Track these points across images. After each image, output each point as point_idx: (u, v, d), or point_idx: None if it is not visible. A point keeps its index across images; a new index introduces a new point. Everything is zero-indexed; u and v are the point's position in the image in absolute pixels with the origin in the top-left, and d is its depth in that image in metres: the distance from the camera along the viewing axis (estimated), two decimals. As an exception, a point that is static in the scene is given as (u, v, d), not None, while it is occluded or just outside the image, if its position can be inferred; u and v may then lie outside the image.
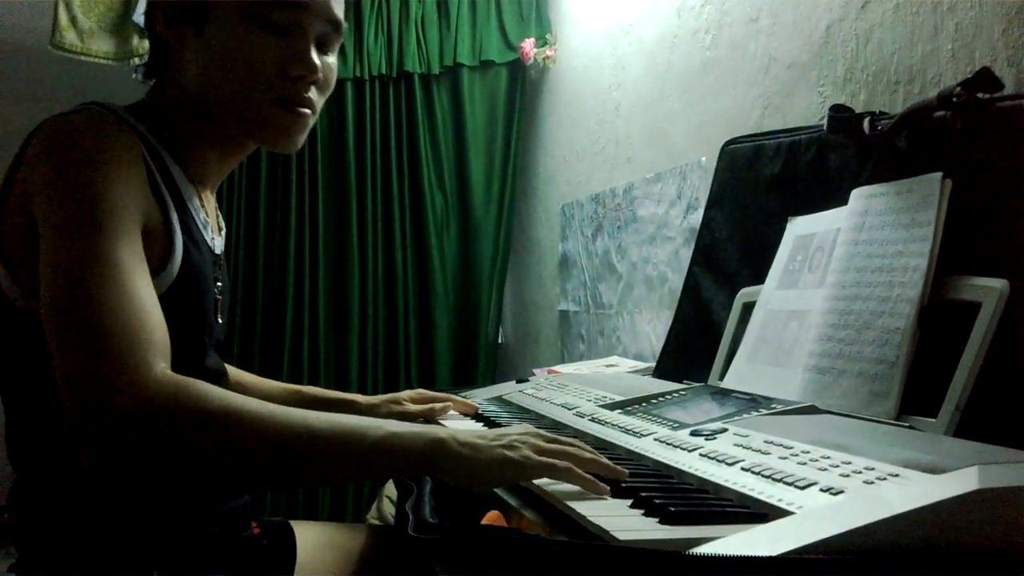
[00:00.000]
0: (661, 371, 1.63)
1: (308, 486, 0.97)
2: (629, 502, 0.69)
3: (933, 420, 0.91)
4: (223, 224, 1.01)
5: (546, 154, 2.72)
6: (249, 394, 1.14)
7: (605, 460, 0.76)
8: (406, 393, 1.23)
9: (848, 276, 1.09)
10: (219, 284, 0.94)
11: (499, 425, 1.11)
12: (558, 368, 1.92)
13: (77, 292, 0.69)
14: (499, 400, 1.37)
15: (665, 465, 0.82)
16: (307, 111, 0.91)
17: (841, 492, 0.64)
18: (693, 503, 0.67)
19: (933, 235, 1.00)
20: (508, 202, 2.87)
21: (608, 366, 1.90)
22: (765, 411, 0.99)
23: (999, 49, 1.03)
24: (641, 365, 1.83)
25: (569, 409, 1.17)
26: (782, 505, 0.65)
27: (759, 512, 0.66)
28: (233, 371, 1.17)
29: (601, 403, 1.18)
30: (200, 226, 0.89)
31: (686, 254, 1.81)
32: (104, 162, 0.75)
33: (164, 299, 0.78)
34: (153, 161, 0.83)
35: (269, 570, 0.97)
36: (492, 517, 0.77)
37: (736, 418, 0.98)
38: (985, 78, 0.99)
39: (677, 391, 1.20)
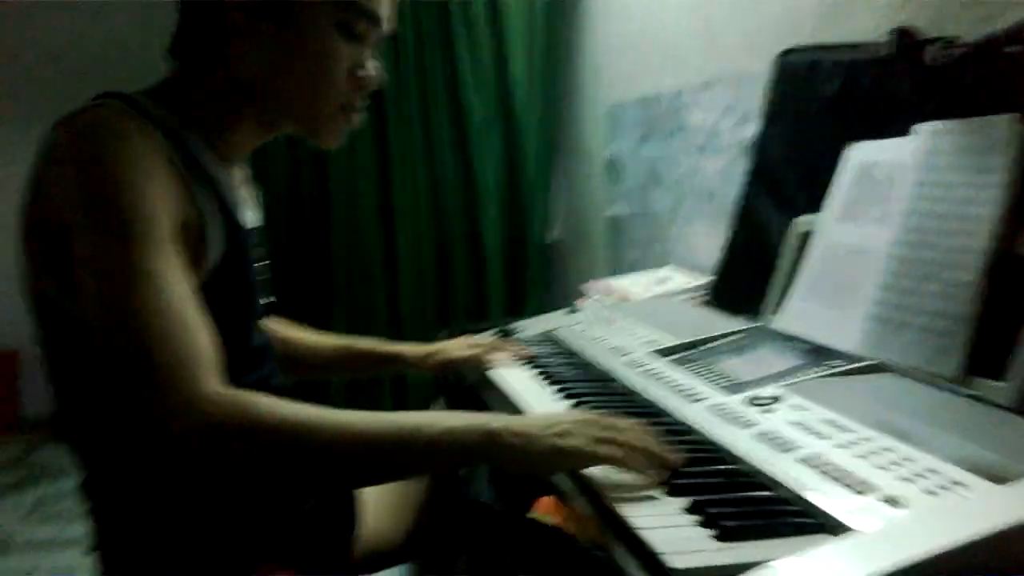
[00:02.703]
0: (716, 296, 1.61)
1: (372, 486, 0.99)
2: (684, 503, 0.69)
3: (1000, 384, 0.88)
4: (255, 192, 1.00)
5: (591, 51, 2.61)
6: (300, 350, 1.18)
7: (658, 449, 0.75)
8: (455, 342, 1.23)
9: (912, 220, 1.04)
10: (256, 264, 0.94)
11: (551, 375, 1.11)
12: (612, 282, 1.91)
13: (120, 316, 0.70)
14: (549, 339, 1.36)
15: (720, 446, 0.82)
16: (359, 116, 0.92)
17: (902, 505, 0.63)
18: (749, 514, 0.67)
19: (1004, 183, 0.94)
20: (552, 101, 2.78)
21: (662, 280, 1.88)
22: (826, 370, 0.98)
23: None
24: (695, 280, 1.80)
25: (622, 355, 1.17)
26: (839, 516, 0.64)
27: (815, 522, 0.65)
28: (283, 328, 1.18)
29: (654, 348, 1.17)
30: (232, 208, 0.88)
31: (738, 168, 1.74)
32: (132, 169, 0.73)
33: (206, 289, 0.78)
34: (180, 152, 0.81)
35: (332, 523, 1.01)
36: (546, 505, 0.79)
37: (795, 378, 0.96)
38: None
39: (733, 335, 1.18)
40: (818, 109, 1.38)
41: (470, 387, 1.18)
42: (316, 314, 2.67)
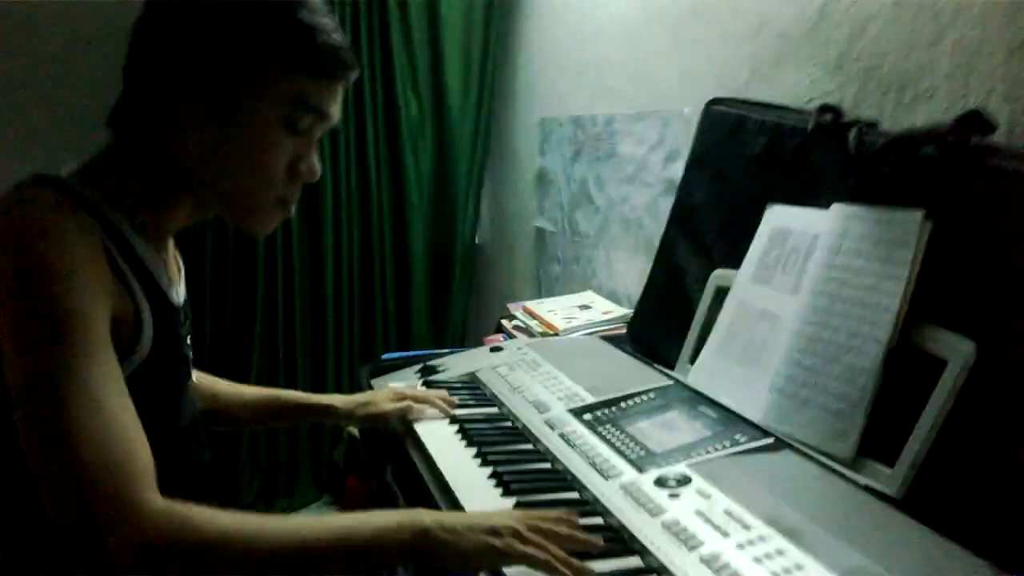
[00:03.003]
0: (634, 333, 1.65)
1: None
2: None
3: (889, 471, 0.94)
4: (182, 264, 0.98)
5: (525, 64, 2.61)
6: (228, 402, 1.17)
7: (582, 537, 0.80)
8: (383, 392, 1.24)
9: (821, 301, 1.09)
10: (188, 340, 0.92)
11: (475, 433, 1.13)
12: (533, 307, 1.93)
13: (55, 430, 0.68)
14: (471, 383, 1.38)
15: (633, 536, 0.85)
16: (293, 207, 0.90)
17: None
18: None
19: (907, 277, 0.99)
20: (486, 109, 2.78)
21: (583, 307, 1.92)
22: (730, 446, 1.02)
23: (997, 79, 0.99)
24: (615, 311, 1.84)
25: (540, 411, 1.20)
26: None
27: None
28: (208, 380, 1.17)
29: (572, 405, 1.20)
30: (165, 289, 0.86)
31: (664, 203, 1.78)
32: (67, 270, 0.72)
33: (136, 375, 0.78)
34: (113, 240, 0.79)
35: None
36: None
37: (701, 454, 1.00)
38: (978, 119, 0.95)
39: (647, 394, 1.22)
40: (741, 165, 1.43)
41: (397, 439, 1.19)
42: (235, 315, 2.63)
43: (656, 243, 1.80)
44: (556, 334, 1.75)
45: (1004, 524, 0.81)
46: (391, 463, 1.14)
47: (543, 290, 2.50)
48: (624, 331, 1.75)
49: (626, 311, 1.81)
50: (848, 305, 1.05)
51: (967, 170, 0.96)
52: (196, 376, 1.15)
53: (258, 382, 2.65)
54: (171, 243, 0.95)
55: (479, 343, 2.23)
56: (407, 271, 2.86)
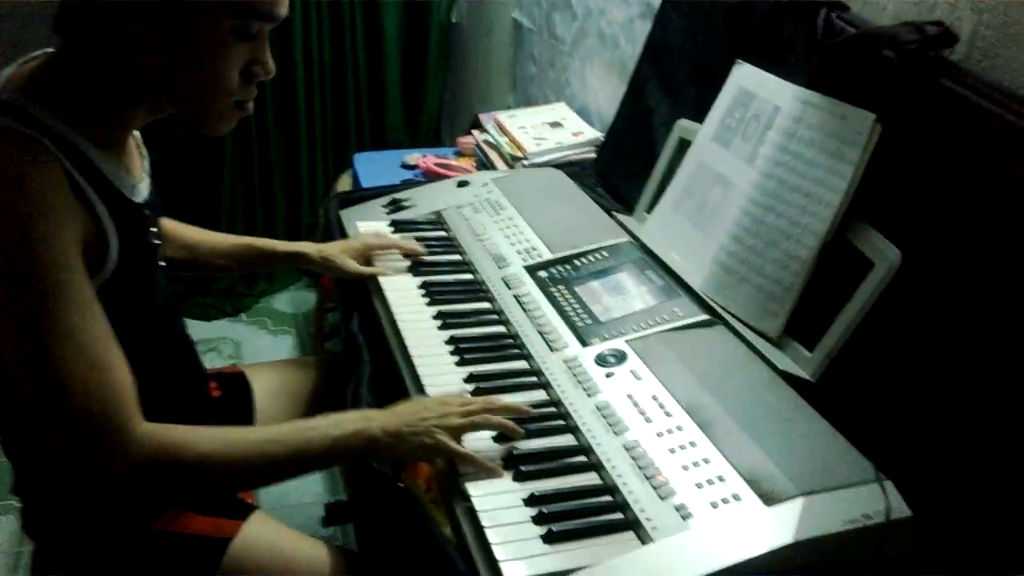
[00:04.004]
0: (600, 166, 1.69)
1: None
2: (524, 493, 0.85)
3: (808, 354, 1.04)
4: (145, 153, 0.99)
5: None
6: (203, 251, 1.23)
7: (512, 405, 0.93)
8: (354, 245, 1.28)
9: (770, 183, 1.13)
10: (156, 240, 0.96)
11: (437, 291, 1.21)
12: (505, 121, 1.93)
13: (43, 372, 0.74)
14: (438, 223, 1.44)
15: (567, 414, 0.96)
16: (252, 104, 0.90)
17: (690, 515, 0.81)
18: (574, 512, 0.83)
19: (851, 177, 1.03)
20: None
21: (555, 124, 1.92)
22: (668, 320, 1.11)
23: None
24: (585, 132, 1.86)
25: (499, 266, 1.27)
26: (643, 521, 0.81)
27: (625, 521, 0.82)
28: (181, 229, 1.21)
29: (529, 261, 1.27)
30: (129, 196, 0.89)
31: (641, 27, 1.74)
32: (35, 212, 0.74)
33: (107, 286, 0.83)
34: (71, 159, 0.80)
35: (235, 422, 1.14)
36: (418, 467, 0.93)
37: (641, 328, 1.10)
38: (941, 32, 0.95)
39: (601, 252, 1.28)
40: (718, 14, 1.39)
41: (365, 288, 1.26)
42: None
43: (630, 67, 1.78)
44: (525, 157, 1.78)
45: (895, 420, 0.92)
46: (358, 313, 1.23)
47: (518, 87, 2.47)
48: (590, 156, 1.79)
49: (596, 134, 1.83)
50: (794, 193, 1.10)
51: (920, 84, 0.96)
52: (170, 225, 1.20)
53: (234, 188, 2.68)
54: (134, 140, 0.96)
55: (453, 142, 2.26)
56: (380, 54, 2.78)
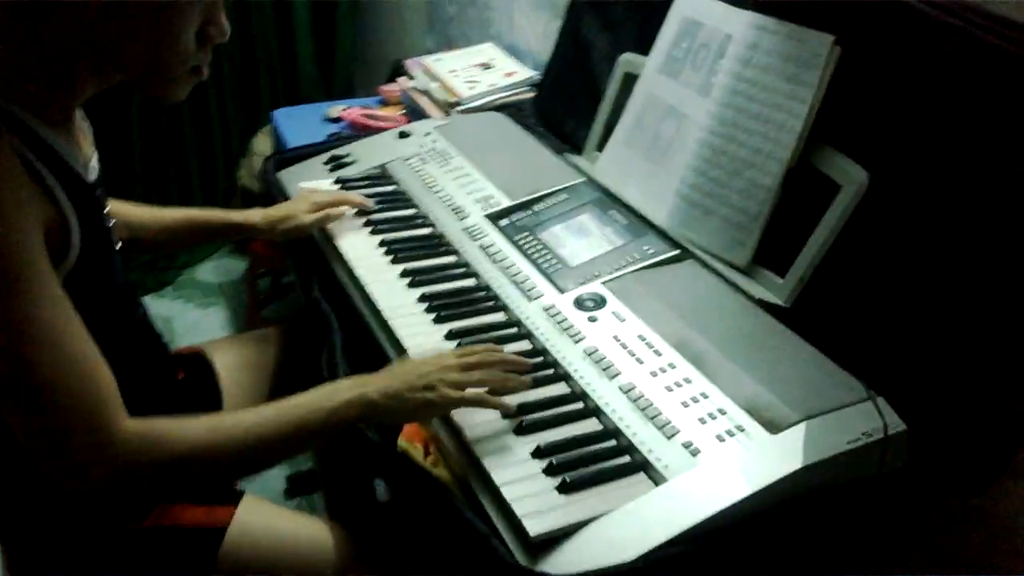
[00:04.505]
0: (540, 106, 1.65)
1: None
2: (530, 446, 0.84)
3: (780, 281, 1.05)
4: (89, 125, 0.91)
5: None
6: (145, 228, 1.15)
7: (511, 358, 0.91)
8: (300, 203, 1.23)
9: (728, 113, 1.13)
10: (111, 221, 0.89)
11: (393, 249, 1.17)
12: (432, 65, 1.87)
13: (19, 373, 0.68)
14: (384, 177, 1.39)
15: (557, 362, 0.95)
16: (207, 69, 0.83)
17: (698, 451, 0.81)
18: (584, 459, 0.82)
19: (812, 101, 1.03)
20: None
21: (484, 66, 1.87)
22: (640, 259, 1.11)
23: None
24: (518, 72, 1.81)
25: (458, 217, 1.24)
26: (653, 461, 0.81)
27: (635, 463, 0.82)
28: (123, 209, 1.13)
29: (488, 210, 1.25)
30: (83, 176, 0.81)
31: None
32: None
33: (71, 275, 0.77)
34: (24, 141, 0.72)
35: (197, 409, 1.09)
36: (412, 431, 0.91)
37: (613, 270, 1.09)
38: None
39: (559, 194, 1.26)
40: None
41: (319, 251, 1.22)
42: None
43: (561, 3, 1.74)
44: (459, 102, 1.73)
45: (873, 337, 0.95)
46: (317, 278, 1.18)
47: (436, 29, 2.40)
48: (527, 96, 1.75)
49: (530, 72, 1.79)
50: (754, 121, 1.10)
51: (882, 5, 0.97)
52: (112, 204, 1.12)
53: (145, 156, 2.53)
54: (80, 114, 0.88)
55: (371, 91, 2.18)
56: (287, 2, 2.64)
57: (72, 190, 0.77)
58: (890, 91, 0.97)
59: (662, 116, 1.27)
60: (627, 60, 1.37)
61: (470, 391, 0.85)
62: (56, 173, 0.75)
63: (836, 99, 1.02)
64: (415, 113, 1.88)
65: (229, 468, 0.80)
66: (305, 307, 1.18)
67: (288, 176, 1.43)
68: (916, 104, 0.95)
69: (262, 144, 2.55)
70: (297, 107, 2.28)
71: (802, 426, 0.83)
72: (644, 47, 1.36)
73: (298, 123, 2.10)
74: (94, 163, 0.87)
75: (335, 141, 1.56)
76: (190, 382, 1.13)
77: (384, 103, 2.12)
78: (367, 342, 1.06)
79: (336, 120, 2.10)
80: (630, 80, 1.36)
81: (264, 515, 0.95)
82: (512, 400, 0.88)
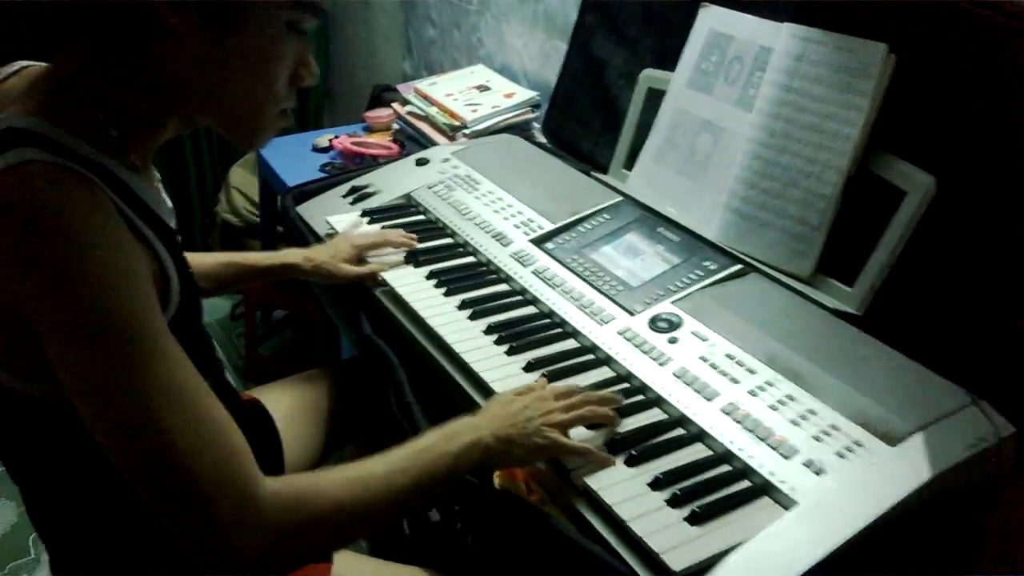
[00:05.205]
0: (552, 126, 1.63)
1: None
2: (646, 476, 0.81)
3: (848, 289, 1.05)
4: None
5: None
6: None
7: (607, 396, 0.89)
8: (341, 248, 1.17)
9: (778, 124, 1.12)
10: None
11: (446, 283, 1.13)
12: (427, 90, 1.84)
13: (157, 444, 0.62)
14: (412, 208, 1.35)
15: (649, 387, 0.92)
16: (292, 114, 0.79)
17: (823, 471, 0.79)
18: (706, 486, 0.80)
19: (869, 108, 1.04)
20: None
21: (482, 88, 1.84)
22: (704, 276, 1.09)
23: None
24: (517, 92, 1.79)
25: (502, 244, 1.20)
26: (777, 484, 0.79)
27: (758, 487, 0.80)
28: None
29: (531, 234, 1.21)
30: (170, 225, 0.76)
31: (567, -23, 1.68)
32: (107, 260, 0.61)
33: (173, 329, 0.71)
34: (118, 193, 0.67)
35: (265, 452, 1.03)
36: (508, 470, 0.87)
37: (678, 288, 1.07)
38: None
39: (602, 215, 1.24)
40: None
41: (366, 292, 1.17)
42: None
43: (559, 19, 1.74)
44: (464, 125, 1.70)
45: (957, 343, 0.95)
46: (365, 315, 1.14)
47: (414, 53, 2.36)
48: (530, 116, 1.73)
49: (531, 93, 1.76)
50: (807, 131, 1.09)
51: (935, 9, 0.98)
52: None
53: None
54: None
55: (347, 119, 2.13)
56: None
57: (165, 239, 0.72)
58: (949, 96, 0.98)
59: (696, 131, 1.26)
60: (649, 76, 1.37)
61: (574, 442, 0.83)
62: (149, 222, 0.70)
63: (895, 106, 1.03)
64: (409, 139, 1.84)
65: (371, 521, 0.75)
66: (358, 345, 1.13)
67: (309, 211, 1.38)
68: (979, 109, 0.96)
69: (238, 176, 2.48)
70: (281, 138, 2.21)
71: (919, 436, 0.82)
72: (664, 62, 1.36)
73: (285, 154, 2.04)
74: (169, 206, 0.81)
75: (349, 171, 1.51)
76: (251, 430, 1.07)
77: (370, 130, 2.08)
78: (433, 378, 1.02)
79: (325, 149, 2.04)
80: (654, 96, 1.35)
81: (361, 569, 0.90)
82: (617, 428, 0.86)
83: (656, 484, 0.80)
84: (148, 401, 0.62)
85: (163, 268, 0.70)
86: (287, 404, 1.13)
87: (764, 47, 1.17)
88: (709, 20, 1.28)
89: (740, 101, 1.20)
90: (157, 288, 0.68)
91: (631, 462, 0.83)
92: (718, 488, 0.80)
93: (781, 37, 1.14)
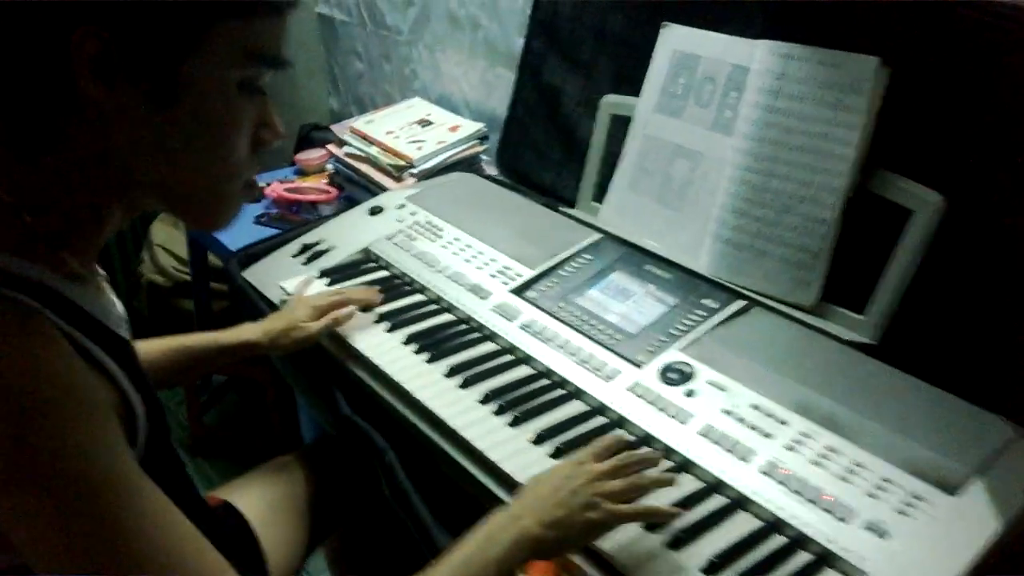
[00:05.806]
0: (506, 160, 1.54)
1: None
2: (697, 559, 0.72)
3: (860, 318, 0.99)
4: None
5: None
6: None
7: (648, 456, 0.79)
8: (299, 310, 1.06)
9: (764, 148, 1.06)
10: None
11: (418, 340, 1.03)
12: (364, 129, 1.73)
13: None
14: (371, 261, 1.24)
15: (676, 452, 0.84)
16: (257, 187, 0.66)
17: (886, 533, 0.72)
18: (765, 565, 0.71)
19: (863, 125, 0.98)
20: None
21: (423, 123, 1.74)
22: (706, 316, 1.01)
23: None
24: (462, 125, 1.69)
25: (480, 297, 1.10)
26: (837, 550, 0.71)
27: (819, 557, 0.72)
28: None
29: (510, 284, 1.12)
30: (121, 334, 0.64)
31: (506, 3, 1.60)
32: (55, 398, 0.51)
33: (144, 462, 0.59)
34: (61, 315, 0.55)
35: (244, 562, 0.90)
36: (540, 568, 0.77)
37: (680, 332, 0.99)
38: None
39: (582, 256, 1.16)
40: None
41: (332, 361, 1.05)
42: None
43: (500, 46, 1.66)
44: (410, 164, 1.60)
45: (989, 368, 0.89)
46: (340, 391, 1.02)
47: (341, 89, 2.25)
48: (478, 149, 1.64)
49: (477, 125, 1.67)
50: (797, 153, 1.03)
51: (931, 17, 0.93)
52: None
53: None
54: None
55: (279, 161, 1.99)
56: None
57: (120, 359, 0.60)
58: (953, 108, 0.93)
59: (670, 157, 1.19)
60: (611, 102, 1.29)
61: (635, 503, 0.74)
62: (102, 344, 0.58)
63: (893, 121, 0.97)
64: (348, 181, 1.73)
65: None
66: (336, 427, 1.02)
67: (257, 275, 1.25)
68: (983, 119, 0.91)
69: (161, 233, 2.31)
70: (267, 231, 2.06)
71: (977, 481, 0.76)
72: (621, 86, 1.29)
73: (214, 208, 1.90)
74: (120, 311, 0.69)
75: (290, 222, 1.39)
76: (226, 537, 0.94)
77: (302, 172, 1.95)
78: (428, 459, 0.92)
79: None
80: (618, 122, 1.28)
81: None
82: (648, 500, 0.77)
83: (712, 568, 0.72)
84: (125, 555, 0.51)
85: (124, 395, 0.58)
86: (262, 503, 1.00)
87: (738, 66, 1.11)
88: (672, 41, 1.21)
89: (716, 124, 1.13)
90: (121, 418, 0.56)
91: (676, 544, 0.74)
92: (778, 565, 0.72)
93: (757, 55, 1.08)
